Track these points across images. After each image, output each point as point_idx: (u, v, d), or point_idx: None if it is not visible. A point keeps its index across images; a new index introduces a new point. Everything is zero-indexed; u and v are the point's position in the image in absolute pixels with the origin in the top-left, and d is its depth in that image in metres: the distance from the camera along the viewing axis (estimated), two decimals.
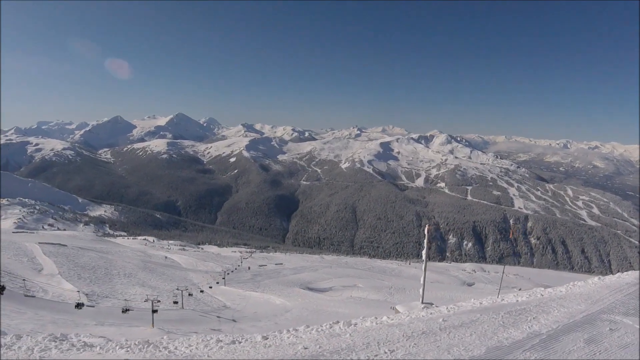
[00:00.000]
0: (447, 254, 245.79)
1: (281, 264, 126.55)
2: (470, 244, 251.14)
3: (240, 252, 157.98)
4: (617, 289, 17.89)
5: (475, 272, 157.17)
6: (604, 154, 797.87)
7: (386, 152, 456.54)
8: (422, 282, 18.58)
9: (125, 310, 41.45)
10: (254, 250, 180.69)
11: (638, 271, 23.72)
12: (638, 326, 12.63)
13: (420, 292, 18.23)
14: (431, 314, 14.32)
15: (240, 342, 12.61)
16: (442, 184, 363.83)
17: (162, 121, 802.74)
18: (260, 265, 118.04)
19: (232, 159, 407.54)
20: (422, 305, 16.71)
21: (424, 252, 18.14)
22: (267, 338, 12.25)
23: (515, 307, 14.70)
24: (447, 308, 15.65)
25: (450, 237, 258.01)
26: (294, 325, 16.05)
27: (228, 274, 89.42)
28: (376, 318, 14.50)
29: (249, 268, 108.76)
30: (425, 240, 17.37)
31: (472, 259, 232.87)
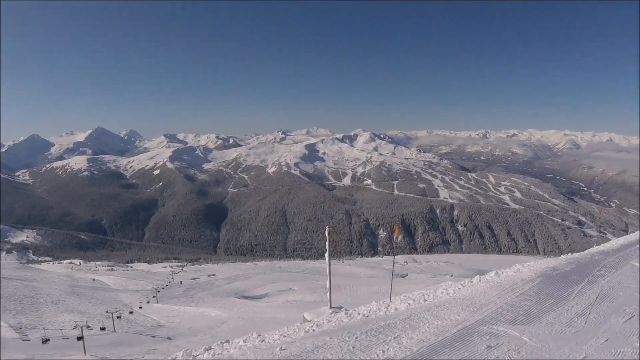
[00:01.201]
0: (379, 248, 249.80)
1: (214, 274, 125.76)
2: (400, 237, 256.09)
3: (171, 267, 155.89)
4: (508, 289, 14.99)
5: (407, 263, 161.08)
6: (522, 141, 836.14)
7: (312, 153, 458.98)
8: (327, 286, 17.37)
9: (45, 341, 40.63)
10: (185, 263, 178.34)
11: (540, 260, 21.71)
12: (526, 339, 10.18)
13: (327, 297, 17.56)
14: (284, 336, 12.47)
15: None
16: (369, 181, 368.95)
17: (81, 137, 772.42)
18: (192, 279, 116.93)
19: (156, 172, 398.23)
20: (331, 311, 16.22)
21: (327, 255, 16.98)
22: None
23: (379, 323, 11.94)
24: (326, 322, 13.86)
25: (381, 231, 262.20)
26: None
27: (159, 291, 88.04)
28: (222, 344, 13.17)
29: (181, 282, 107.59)
30: (327, 243, 16.29)
31: (404, 250, 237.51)
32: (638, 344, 9.52)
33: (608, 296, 13.67)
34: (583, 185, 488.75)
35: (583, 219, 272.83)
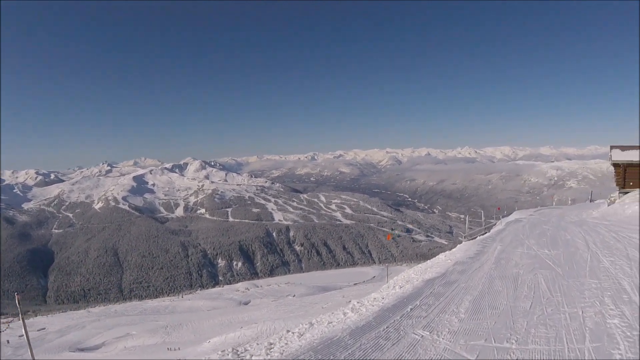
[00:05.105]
0: (220, 277, 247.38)
1: (44, 328, 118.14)
2: (240, 264, 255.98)
3: None
4: None
5: (248, 289, 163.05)
6: (348, 161, 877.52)
7: (141, 185, 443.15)
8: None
9: None
10: (11, 319, 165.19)
11: None
12: None
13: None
14: None
15: None
16: (203, 210, 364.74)
17: None
18: (20, 336, 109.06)
19: None
20: None
21: (21, 319, 12.80)
22: None
23: None
24: None
25: (219, 260, 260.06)
26: None
27: None
28: None
29: (8, 342, 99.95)
30: (21, 316, 12.78)
31: (244, 277, 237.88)
32: None
33: None
34: (407, 197, 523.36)
35: (411, 226, 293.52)
